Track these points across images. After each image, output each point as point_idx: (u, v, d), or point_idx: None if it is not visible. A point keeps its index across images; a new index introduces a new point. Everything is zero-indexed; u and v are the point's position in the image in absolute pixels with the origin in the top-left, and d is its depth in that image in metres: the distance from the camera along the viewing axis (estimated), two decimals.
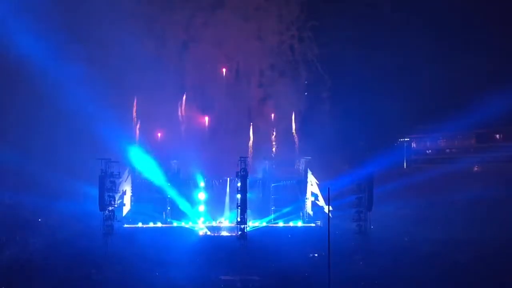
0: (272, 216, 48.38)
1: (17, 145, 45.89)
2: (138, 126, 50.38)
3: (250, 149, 51.55)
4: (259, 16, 50.96)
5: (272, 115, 53.16)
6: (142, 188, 48.87)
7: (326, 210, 42.64)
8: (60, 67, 45.29)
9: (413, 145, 62.18)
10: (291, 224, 47.90)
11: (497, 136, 59.32)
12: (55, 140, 46.65)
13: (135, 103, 50.79)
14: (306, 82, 52.26)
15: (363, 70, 51.91)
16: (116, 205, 44.35)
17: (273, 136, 53.24)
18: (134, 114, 50.63)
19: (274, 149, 52.36)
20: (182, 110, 51.25)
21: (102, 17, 46.09)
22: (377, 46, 52.18)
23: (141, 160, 48.03)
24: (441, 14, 52.24)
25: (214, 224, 47.48)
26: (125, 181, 46.96)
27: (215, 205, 48.79)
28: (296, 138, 53.39)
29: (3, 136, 45.93)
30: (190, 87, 51.30)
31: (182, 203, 48.39)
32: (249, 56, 50.82)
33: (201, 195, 48.74)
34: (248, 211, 43.35)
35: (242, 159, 43.40)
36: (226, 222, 47.63)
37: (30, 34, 44.04)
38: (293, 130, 53.61)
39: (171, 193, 48.36)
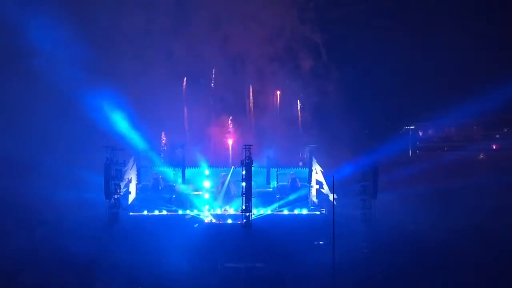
0: (277, 204, 48.43)
1: (16, 132, 45.87)
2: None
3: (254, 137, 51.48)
4: None
5: (276, 103, 52.93)
6: (147, 176, 48.96)
7: (331, 198, 42.68)
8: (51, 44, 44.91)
9: (419, 132, 61.94)
10: (296, 212, 47.96)
11: (504, 123, 59.02)
12: (52, 126, 46.44)
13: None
14: (310, 67, 51.69)
15: (368, 56, 51.59)
16: (121, 193, 44.68)
17: (277, 125, 53.18)
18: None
19: (278, 137, 52.27)
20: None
21: None
22: (382, 32, 51.72)
23: (146, 148, 48.16)
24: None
25: (219, 212, 47.59)
26: (131, 169, 47.07)
27: (220, 193, 48.88)
28: (301, 126, 53.30)
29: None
30: (185, 72, 50.72)
31: (187, 191, 48.54)
32: (249, 40, 50.12)
33: (206, 183, 48.86)
34: (253, 199, 43.80)
35: (246, 147, 43.62)
36: (231, 210, 47.73)
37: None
38: (298, 118, 53.52)
39: (177, 181, 48.50)
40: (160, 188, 48.51)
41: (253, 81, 52.70)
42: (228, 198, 48.25)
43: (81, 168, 44.87)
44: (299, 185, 49.10)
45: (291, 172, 49.51)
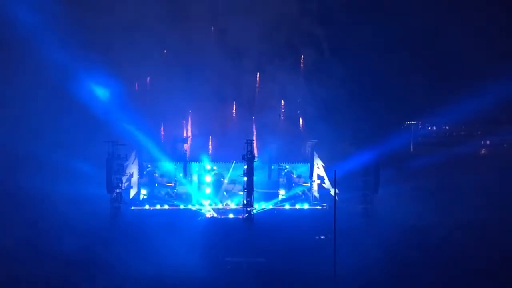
0: (279, 198, 48.48)
1: (17, 125, 45.93)
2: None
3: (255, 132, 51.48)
4: None
5: (276, 97, 52.82)
6: (149, 170, 48.99)
7: (333, 193, 42.71)
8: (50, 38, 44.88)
9: (420, 127, 61.89)
10: (297, 206, 48.00)
11: (506, 119, 58.90)
12: (54, 120, 46.49)
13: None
14: (312, 61, 51.49)
15: (370, 51, 51.46)
16: (123, 188, 44.76)
17: (278, 119, 53.12)
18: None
19: (280, 132, 52.22)
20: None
21: None
22: (384, 25, 51.54)
23: (147, 142, 48.21)
24: None
25: (220, 206, 47.66)
26: (132, 164, 47.09)
27: (221, 188, 48.96)
28: (302, 121, 53.23)
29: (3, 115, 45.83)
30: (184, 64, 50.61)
31: (188, 186, 48.61)
32: (247, 34, 49.90)
33: (208, 178, 48.90)
34: (255, 194, 43.88)
35: (248, 141, 43.65)
36: (232, 204, 47.78)
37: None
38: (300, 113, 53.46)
39: (178, 175, 48.56)
40: (155, 183, 48.57)
41: (252, 76, 52.62)
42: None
43: (83, 163, 44.95)
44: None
45: (287, 171, 49.58)
